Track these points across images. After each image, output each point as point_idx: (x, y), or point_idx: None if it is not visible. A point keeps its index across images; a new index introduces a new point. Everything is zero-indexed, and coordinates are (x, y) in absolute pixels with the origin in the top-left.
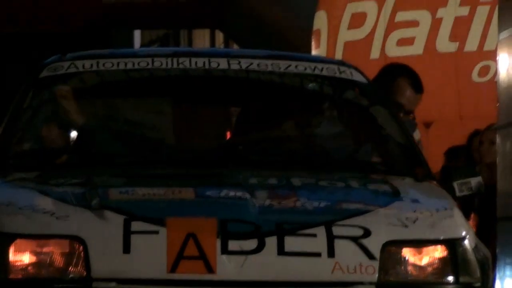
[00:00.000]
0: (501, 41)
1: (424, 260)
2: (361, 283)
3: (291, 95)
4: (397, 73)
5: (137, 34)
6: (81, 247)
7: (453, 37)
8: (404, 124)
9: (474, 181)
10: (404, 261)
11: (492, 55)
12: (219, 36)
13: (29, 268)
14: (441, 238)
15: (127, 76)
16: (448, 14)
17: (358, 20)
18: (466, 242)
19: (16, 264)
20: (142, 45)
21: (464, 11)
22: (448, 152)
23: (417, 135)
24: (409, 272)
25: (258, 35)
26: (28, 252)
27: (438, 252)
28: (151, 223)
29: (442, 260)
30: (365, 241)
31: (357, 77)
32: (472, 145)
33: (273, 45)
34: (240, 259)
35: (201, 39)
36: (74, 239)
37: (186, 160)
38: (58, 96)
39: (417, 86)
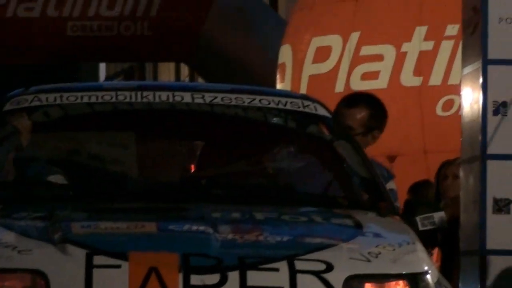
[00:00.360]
0: (465, 76)
1: None
2: None
3: (255, 129)
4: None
5: (102, 66)
6: (43, 282)
7: (417, 72)
8: (368, 158)
9: (437, 215)
10: None
11: (456, 89)
12: (185, 70)
13: None
14: (403, 272)
15: (91, 109)
16: (413, 48)
17: (322, 54)
18: (428, 276)
19: None
20: (107, 77)
21: (429, 45)
22: (413, 186)
23: (390, 185)
24: None
25: (224, 68)
26: None
27: (400, 286)
28: (113, 257)
29: None
30: (327, 276)
31: (321, 111)
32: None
33: (238, 79)
34: None
35: (167, 72)
36: (36, 273)
37: (149, 194)
38: (22, 130)
39: (348, 102)
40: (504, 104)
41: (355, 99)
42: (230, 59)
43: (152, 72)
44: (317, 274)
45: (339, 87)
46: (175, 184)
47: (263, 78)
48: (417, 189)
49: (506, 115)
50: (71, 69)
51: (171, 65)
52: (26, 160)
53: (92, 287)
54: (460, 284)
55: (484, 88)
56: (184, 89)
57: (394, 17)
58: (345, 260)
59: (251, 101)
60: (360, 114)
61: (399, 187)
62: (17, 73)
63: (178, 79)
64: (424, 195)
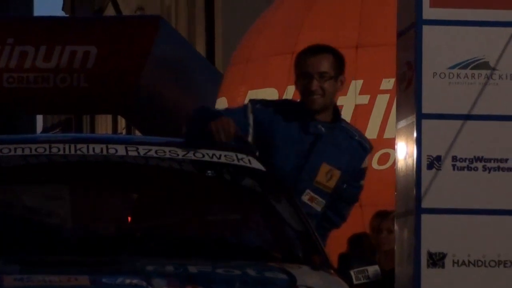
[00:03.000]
0: (399, 130)
1: None
2: None
3: (189, 182)
4: (300, 52)
5: (39, 118)
6: None
7: (353, 124)
8: (303, 211)
9: (371, 269)
10: None
11: (391, 143)
12: (122, 121)
13: None
14: None
15: (25, 161)
16: (348, 102)
17: None
18: None
19: None
20: (44, 129)
21: (364, 99)
22: (351, 238)
23: (365, 163)
24: None
25: (160, 120)
26: None
27: None
28: None
29: None
30: None
31: (255, 164)
32: (370, 230)
33: (175, 131)
34: None
35: (104, 124)
36: None
37: (83, 246)
38: None
39: (312, 50)
40: (438, 158)
41: (319, 47)
42: (166, 110)
43: (89, 123)
44: None
45: None
46: (109, 236)
47: None
48: (356, 240)
49: (440, 169)
50: (8, 120)
51: (109, 117)
52: None
53: None
54: None
55: (419, 142)
56: (118, 141)
57: None
58: None
59: (185, 154)
60: (328, 59)
61: (335, 238)
62: None
63: (115, 131)
64: (363, 247)
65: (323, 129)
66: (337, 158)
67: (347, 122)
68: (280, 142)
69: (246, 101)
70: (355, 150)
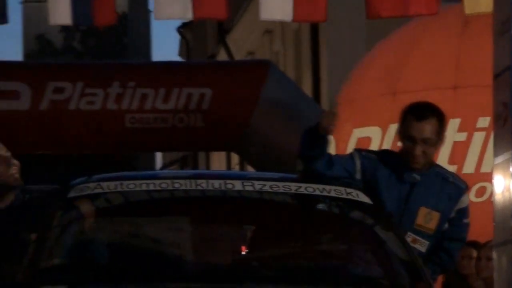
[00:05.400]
0: (497, 165)
1: None
2: None
3: (301, 214)
4: (405, 111)
5: (158, 155)
6: None
7: (452, 160)
8: (406, 241)
9: None
10: None
11: (488, 177)
12: (235, 158)
13: None
14: None
15: (149, 196)
16: (447, 139)
17: (363, 143)
18: None
19: None
20: (163, 166)
21: (462, 136)
22: None
23: (463, 202)
24: None
25: (270, 157)
26: None
27: None
28: None
29: None
30: None
31: (363, 198)
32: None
33: (284, 167)
34: None
35: (218, 160)
36: None
37: (203, 275)
38: (86, 215)
39: (419, 115)
40: None
41: (424, 111)
42: (275, 148)
43: (205, 160)
44: None
45: None
46: (228, 265)
47: None
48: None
49: None
50: (130, 158)
51: (222, 154)
52: (90, 243)
53: None
54: None
55: None
56: (235, 177)
57: None
58: None
59: (298, 189)
60: (433, 125)
61: None
62: (77, 162)
63: (229, 167)
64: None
65: (418, 177)
66: (434, 201)
67: (440, 166)
68: (382, 188)
69: (351, 139)
70: (451, 191)
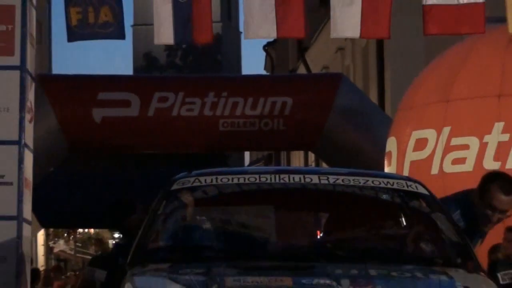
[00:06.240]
0: None
1: None
2: None
3: (368, 203)
4: (490, 181)
5: (246, 154)
6: None
7: (496, 158)
8: (459, 227)
9: None
10: None
11: None
12: (311, 156)
13: None
14: None
15: (239, 188)
16: (493, 139)
17: (421, 144)
18: None
19: None
20: (250, 163)
21: (505, 137)
22: (491, 248)
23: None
24: None
25: (342, 155)
26: None
27: None
28: None
29: None
30: None
31: (421, 190)
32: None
33: (354, 163)
34: None
35: (297, 158)
36: None
37: (285, 255)
38: (187, 204)
39: (506, 189)
40: None
41: (510, 187)
42: (347, 148)
43: (285, 158)
44: None
45: (434, 170)
46: (306, 247)
47: (374, 163)
48: (494, 249)
49: None
50: (222, 156)
51: (301, 153)
52: (190, 228)
53: None
54: None
55: None
56: (312, 172)
57: (478, 115)
58: None
59: (366, 182)
60: None
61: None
62: (179, 160)
63: (306, 164)
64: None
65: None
66: None
67: None
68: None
69: (410, 140)
70: None
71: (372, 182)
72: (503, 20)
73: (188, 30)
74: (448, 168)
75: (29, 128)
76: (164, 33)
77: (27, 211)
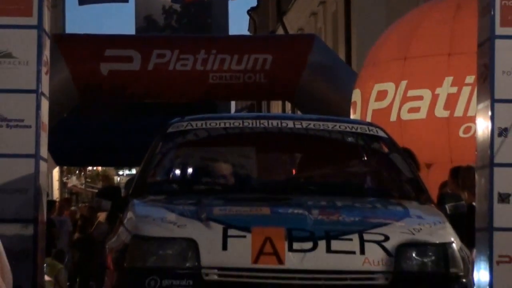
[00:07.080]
0: (479, 110)
1: (425, 257)
2: (382, 272)
3: (336, 145)
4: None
5: (232, 103)
6: (194, 246)
7: (446, 107)
8: (413, 165)
9: (460, 204)
10: (411, 257)
11: (473, 119)
12: (288, 106)
13: (158, 259)
14: (437, 242)
15: (225, 132)
16: (443, 91)
17: (381, 95)
18: (454, 245)
19: (150, 257)
20: (236, 111)
21: (454, 90)
22: (441, 184)
23: None
24: (415, 265)
25: (315, 104)
26: (159, 249)
27: (434, 251)
28: (241, 230)
29: (437, 257)
30: (385, 244)
31: (381, 133)
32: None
33: (325, 111)
34: (301, 255)
35: (276, 107)
36: (190, 240)
37: (265, 188)
38: (179, 145)
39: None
40: (505, 129)
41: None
42: (319, 99)
43: (266, 107)
44: (378, 242)
45: (393, 118)
46: (282, 182)
47: (341, 112)
48: (443, 185)
49: (507, 137)
50: (211, 105)
51: (279, 103)
52: (183, 165)
53: (227, 249)
54: (475, 250)
55: (492, 118)
56: (288, 118)
57: (431, 71)
58: (397, 233)
59: (334, 126)
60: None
61: (433, 184)
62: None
63: (284, 112)
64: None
65: None
66: None
67: None
68: None
69: (373, 91)
70: None
71: (339, 126)
72: None
73: None
74: (405, 115)
75: (45, 79)
76: None
77: (44, 151)
